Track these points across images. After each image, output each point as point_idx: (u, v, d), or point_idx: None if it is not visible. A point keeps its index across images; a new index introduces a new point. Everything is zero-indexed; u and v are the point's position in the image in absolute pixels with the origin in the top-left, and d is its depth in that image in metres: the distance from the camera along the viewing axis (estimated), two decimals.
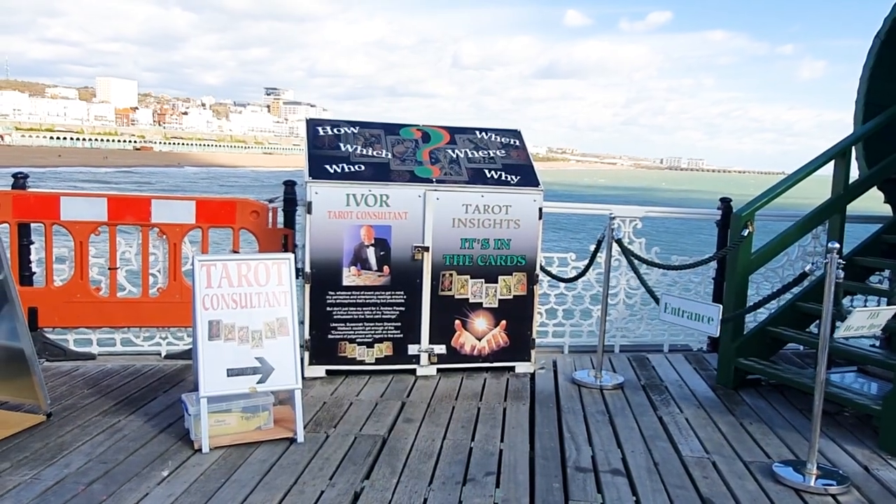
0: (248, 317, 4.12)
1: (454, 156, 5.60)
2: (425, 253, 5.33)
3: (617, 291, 6.35)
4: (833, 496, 3.76)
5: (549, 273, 6.07)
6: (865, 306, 5.27)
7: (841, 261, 3.79)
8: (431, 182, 5.36)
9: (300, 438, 4.14)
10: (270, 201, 5.62)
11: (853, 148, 5.95)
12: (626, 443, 4.35)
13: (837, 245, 3.84)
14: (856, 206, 6.06)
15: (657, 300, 5.12)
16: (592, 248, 5.84)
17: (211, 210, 5.46)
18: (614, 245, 5.58)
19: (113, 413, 4.50)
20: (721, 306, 4.51)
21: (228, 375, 4.05)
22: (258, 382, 4.10)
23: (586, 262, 5.97)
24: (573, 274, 6.20)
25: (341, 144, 5.47)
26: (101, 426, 4.27)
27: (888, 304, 4.46)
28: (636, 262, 5.72)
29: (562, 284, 6.22)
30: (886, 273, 6.01)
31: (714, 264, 6.27)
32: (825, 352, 3.94)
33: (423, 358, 5.46)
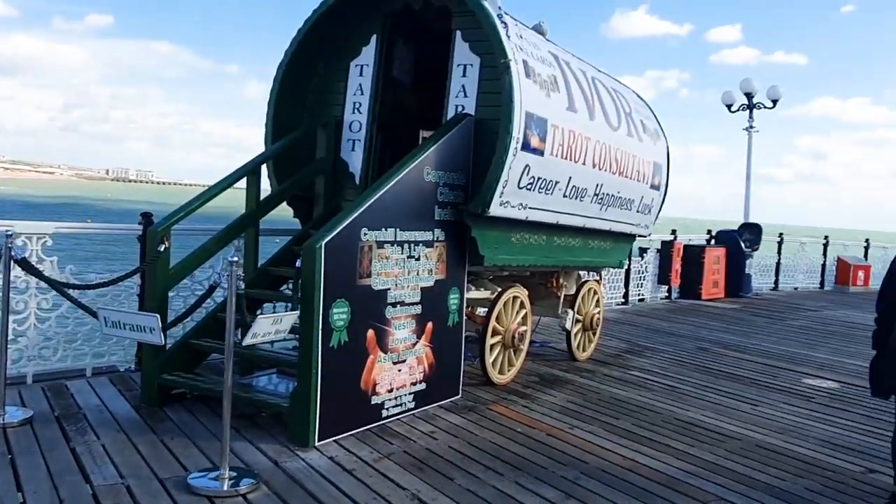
0: None
1: None
2: None
3: (27, 316, 5.70)
4: (243, 496, 3.96)
5: None
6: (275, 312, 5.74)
7: (241, 273, 4.02)
8: None
9: None
10: None
11: (264, 166, 6.44)
12: (29, 484, 3.91)
13: (236, 258, 4.08)
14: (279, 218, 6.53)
15: (95, 315, 4.75)
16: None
17: None
18: (15, 266, 4.99)
19: None
20: (158, 315, 4.40)
21: None
22: None
23: None
24: None
25: None
26: None
27: (291, 309, 4.90)
28: (57, 281, 5.23)
29: None
30: None
31: (137, 279, 6.10)
32: (231, 359, 4.13)
33: None
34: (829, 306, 14.71)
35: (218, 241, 5.93)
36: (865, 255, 19.57)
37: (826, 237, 19.20)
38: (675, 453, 5.08)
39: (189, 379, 5.49)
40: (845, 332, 11.24)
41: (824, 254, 18.83)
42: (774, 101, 17.27)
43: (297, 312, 4.67)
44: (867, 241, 20.30)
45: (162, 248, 5.26)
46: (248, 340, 4.15)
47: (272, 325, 4.26)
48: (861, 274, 18.34)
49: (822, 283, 18.64)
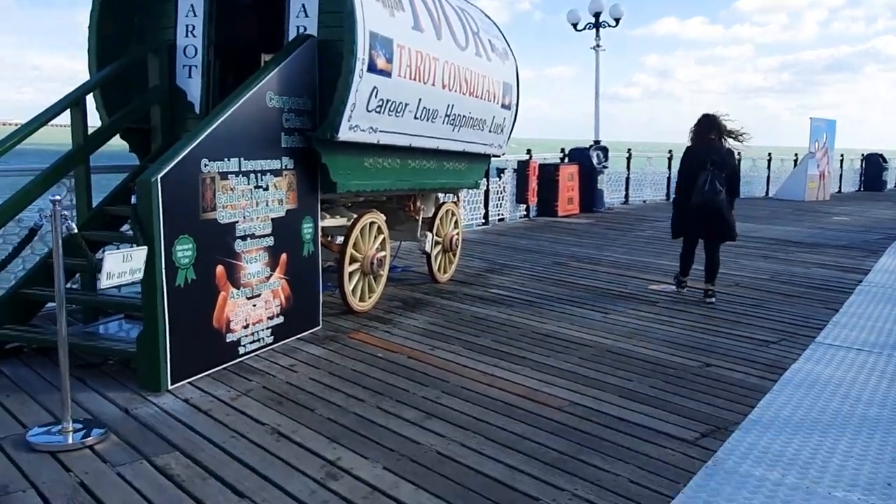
0: None
1: None
2: None
3: None
4: (90, 447, 3.74)
5: None
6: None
7: (66, 212, 3.70)
8: None
9: None
10: None
11: (91, 97, 5.92)
12: None
13: (59, 197, 3.74)
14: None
15: None
16: None
17: None
18: None
19: None
20: None
21: None
22: None
23: None
24: None
25: None
26: None
27: (137, 246, 4.59)
28: None
29: None
30: None
31: None
32: (63, 306, 3.83)
33: None
34: None
35: (43, 182, 5.44)
36: None
37: (670, 151, 20.23)
38: (533, 365, 5.26)
39: (24, 331, 5.11)
40: None
41: (668, 167, 19.87)
42: (617, 20, 17.69)
43: (146, 247, 4.36)
44: None
45: None
46: (104, 283, 3.83)
47: (124, 263, 3.96)
48: None
49: (667, 195, 19.70)
